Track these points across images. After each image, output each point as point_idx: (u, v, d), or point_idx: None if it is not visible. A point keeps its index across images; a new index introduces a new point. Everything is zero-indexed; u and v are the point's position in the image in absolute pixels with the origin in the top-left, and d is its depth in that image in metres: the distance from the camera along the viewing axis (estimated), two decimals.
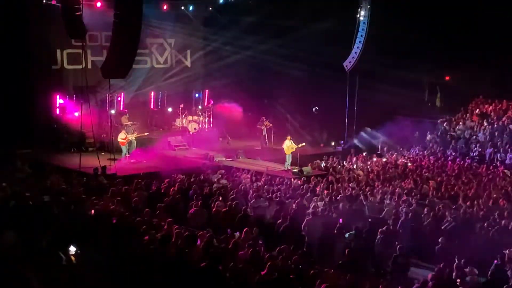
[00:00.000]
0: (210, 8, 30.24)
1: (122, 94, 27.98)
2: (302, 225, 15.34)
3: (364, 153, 27.84)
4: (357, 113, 29.92)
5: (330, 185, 20.13)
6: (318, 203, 17.23)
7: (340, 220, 15.74)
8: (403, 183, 21.28)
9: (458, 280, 12.06)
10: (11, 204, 13.74)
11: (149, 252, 11.10)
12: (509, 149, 26.87)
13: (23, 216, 12.49)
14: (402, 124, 29.79)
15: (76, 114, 25.07)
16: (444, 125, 31.54)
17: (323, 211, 16.23)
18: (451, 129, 31.00)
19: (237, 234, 14.01)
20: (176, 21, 29.44)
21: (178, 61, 30.81)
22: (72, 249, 9.81)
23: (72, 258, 9.67)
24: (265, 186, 19.44)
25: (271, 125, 28.54)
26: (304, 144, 24.27)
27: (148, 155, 24.32)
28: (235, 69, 29.70)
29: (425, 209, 16.90)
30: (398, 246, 13.70)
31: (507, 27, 28.92)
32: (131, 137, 24.54)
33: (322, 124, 29.75)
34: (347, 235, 14.74)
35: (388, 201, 18.01)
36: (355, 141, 30.01)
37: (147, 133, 25.61)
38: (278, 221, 15.66)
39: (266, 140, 28.56)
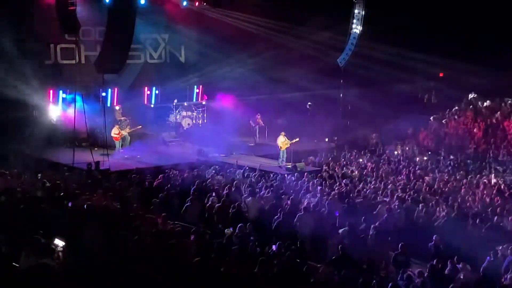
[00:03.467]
0: (205, 3, 30.13)
1: (116, 89, 27.87)
2: (295, 221, 15.34)
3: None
4: (351, 109, 29.94)
5: (324, 181, 20.15)
6: (311, 199, 17.26)
7: (337, 213, 15.78)
8: (396, 179, 21.33)
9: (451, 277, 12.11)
10: (1, 199, 13.71)
11: (142, 247, 11.09)
12: (502, 146, 26.97)
13: (14, 212, 12.46)
14: (396, 120, 29.83)
15: (70, 109, 24.97)
16: (437, 121, 31.61)
17: (315, 207, 16.25)
18: (444, 125, 31.08)
19: (231, 229, 14.02)
20: (170, 16, 29.32)
21: (172, 56, 30.71)
22: (59, 242, 9.69)
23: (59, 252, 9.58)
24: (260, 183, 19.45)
25: (262, 124, 28.56)
26: (298, 139, 24.22)
27: (142, 150, 24.26)
28: (229, 65, 29.63)
29: (419, 206, 16.93)
30: (400, 244, 13.72)
31: (503, 25, 29.04)
32: (125, 132, 24.49)
33: (316, 120, 29.73)
34: (340, 231, 14.77)
35: (381, 197, 18.04)
36: None
37: (140, 126, 25.53)
38: (275, 217, 15.64)
39: (257, 136, 28.55)
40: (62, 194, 15.34)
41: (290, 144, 24.01)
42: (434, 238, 14.29)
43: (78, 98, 22.85)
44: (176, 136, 27.80)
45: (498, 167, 23.83)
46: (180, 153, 24.87)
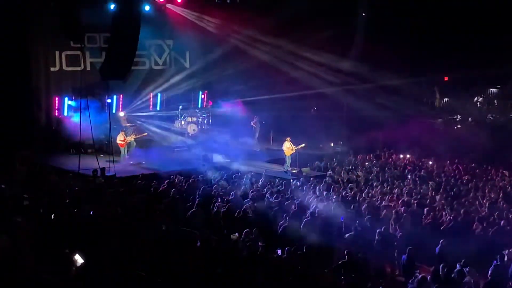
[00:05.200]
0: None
1: (121, 95, 27.94)
2: (301, 226, 15.33)
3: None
4: (356, 114, 29.91)
5: (329, 186, 20.12)
6: (317, 204, 17.24)
7: (342, 219, 15.75)
8: (402, 183, 21.28)
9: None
10: (9, 206, 13.73)
11: (148, 254, 11.10)
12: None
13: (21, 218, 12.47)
14: (401, 124, 29.79)
15: (75, 115, 25.05)
16: (443, 125, 31.58)
17: (322, 212, 16.22)
18: (450, 128, 31.06)
19: (236, 235, 14.01)
20: (175, 22, 29.34)
21: (177, 62, 30.73)
22: (79, 259, 9.72)
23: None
24: (265, 188, 19.45)
25: (254, 125, 28.63)
26: (304, 145, 24.19)
27: (147, 156, 24.29)
28: (234, 70, 29.63)
29: (425, 210, 16.89)
30: (407, 249, 13.70)
31: (507, 27, 29.04)
32: (130, 138, 24.52)
33: (321, 124, 29.70)
34: (346, 236, 14.74)
35: (387, 202, 18.00)
36: None
37: (146, 133, 25.60)
38: (281, 222, 15.62)
39: (256, 139, 28.58)
40: (67, 201, 15.38)
41: (295, 150, 24.00)
42: (440, 242, 14.24)
43: (83, 105, 22.91)
44: (181, 142, 27.79)
45: (504, 171, 23.74)
46: (185, 159, 24.86)
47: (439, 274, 12.12)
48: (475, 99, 34.56)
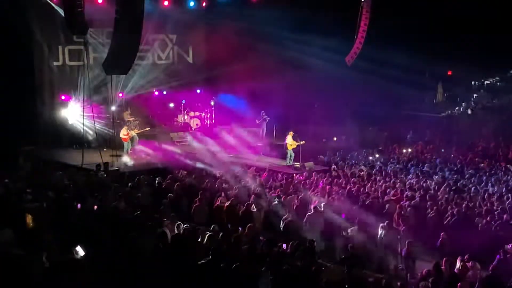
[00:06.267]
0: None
1: (124, 90, 27.95)
2: (304, 221, 15.34)
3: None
4: (358, 108, 29.89)
5: (333, 180, 20.13)
6: (320, 198, 17.24)
7: (343, 215, 15.76)
8: (405, 178, 21.28)
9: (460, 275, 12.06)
10: (12, 201, 13.78)
11: (152, 248, 11.12)
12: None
13: (23, 213, 12.52)
14: (404, 119, 29.77)
15: (78, 110, 25.07)
16: (446, 119, 31.57)
17: (325, 207, 16.23)
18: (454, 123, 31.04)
19: (240, 229, 14.04)
20: (178, 17, 29.30)
21: (180, 57, 30.72)
22: (80, 250, 9.77)
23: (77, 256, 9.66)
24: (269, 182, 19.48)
25: (266, 118, 28.56)
26: (303, 142, 24.10)
27: (150, 151, 24.32)
28: (237, 64, 29.58)
29: (428, 204, 16.90)
30: (407, 242, 13.71)
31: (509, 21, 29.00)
32: (133, 133, 24.54)
33: (324, 119, 29.69)
34: (349, 230, 14.75)
35: (390, 196, 18.00)
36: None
37: (149, 128, 25.61)
38: (284, 216, 15.63)
39: (263, 134, 28.52)
40: (71, 195, 15.42)
41: (296, 145, 24.02)
42: (441, 235, 14.27)
43: (86, 99, 22.96)
44: (184, 136, 27.81)
45: (508, 165, 23.69)
46: (188, 153, 24.88)
47: (440, 268, 12.11)
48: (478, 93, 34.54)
